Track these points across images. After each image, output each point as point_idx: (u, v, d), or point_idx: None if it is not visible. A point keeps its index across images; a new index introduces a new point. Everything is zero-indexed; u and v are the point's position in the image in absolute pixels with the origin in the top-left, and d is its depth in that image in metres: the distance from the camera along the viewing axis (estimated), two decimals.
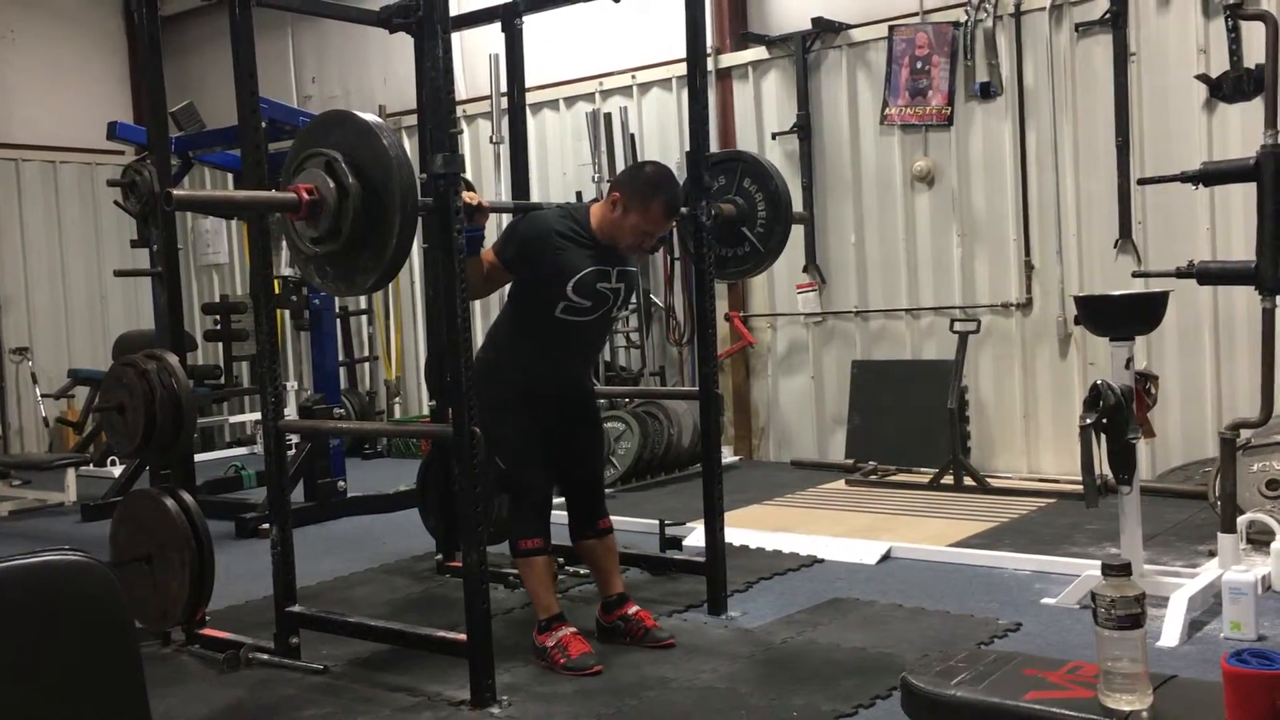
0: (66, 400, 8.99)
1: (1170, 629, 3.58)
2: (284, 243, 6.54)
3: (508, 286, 3.80)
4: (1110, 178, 6.04)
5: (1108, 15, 5.98)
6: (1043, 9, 6.20)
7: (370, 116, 3.12)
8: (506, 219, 5.43)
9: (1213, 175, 4.15)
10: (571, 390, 3.87)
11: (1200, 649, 3.52)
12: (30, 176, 9.66)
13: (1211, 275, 4.25)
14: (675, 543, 4.79)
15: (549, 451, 3.76)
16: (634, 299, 3.98)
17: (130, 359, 4.04)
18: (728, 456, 7.08)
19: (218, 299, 9.51)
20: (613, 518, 5.67)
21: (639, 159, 7.43)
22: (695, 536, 4.74)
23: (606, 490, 6.40)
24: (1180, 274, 4.15)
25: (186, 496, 3.91)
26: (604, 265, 3.65)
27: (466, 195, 3.40)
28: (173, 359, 4.00)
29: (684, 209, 4.13)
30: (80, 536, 6.25)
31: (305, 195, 3.04)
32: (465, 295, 3.27)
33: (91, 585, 1.09)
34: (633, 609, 3.87)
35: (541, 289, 3.63)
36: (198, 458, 5.08)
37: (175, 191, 3.01)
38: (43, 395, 8.91)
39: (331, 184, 3.02)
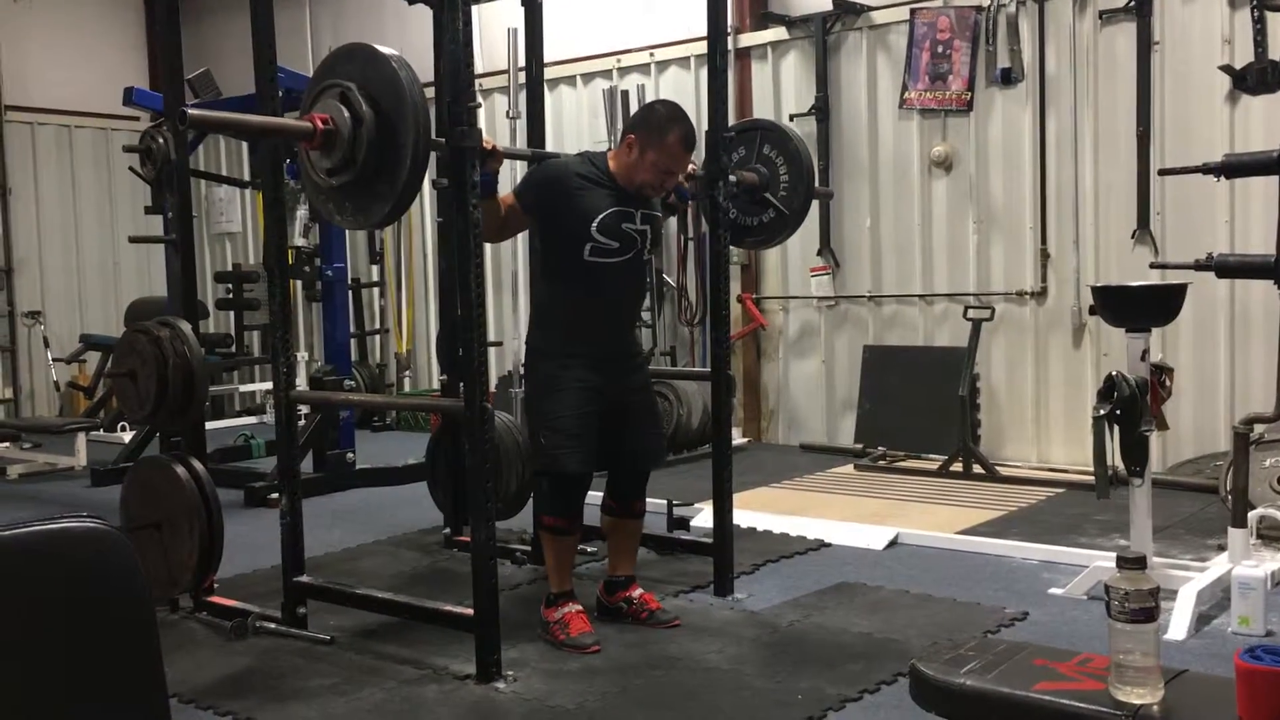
0: (78, 365, 9.02)
1: (1178, 622, 3.57)
2: (298, 213, 6.54)
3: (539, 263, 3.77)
4: (1130, 168, 5.99)
5: (1132, 3, 5.92)
6: None
7: (384, 48, 3.11)
8: (521, 167, 5.40)
9: (1234, 168, 4.12)
10: (622, 353, 3.76)
11: (1208, 643, 3.51)
12: (45, 140, 9.65)
13: (1230, 268, 4.22)
14: (683, 523, 4.80)
15: (598, 436, 3.64)
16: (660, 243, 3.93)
17: (143, 326, 4.04)
18: (736, 438, 7.06)
19: (230, 267, 9.52)
20: None
21: None
22: (703, 517, 4.75)
23: None
24: (1198, 266, 4.12)
25: (197, 464, 3.92)
26: (627, 207, 3.61)
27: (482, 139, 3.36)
28: (186, 327, 4.00)
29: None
30: (90, 501, 6.27)
31: (320, 125, 3.05)
32: (479, 238, 3.26)
33: (110, 552, 1.08)
34: (637, 592, 3.87)
35: (567, 233, 3.57)
36: (208, 426, 5.09)
37: (190, 110, 3.00)
38: (54, 359, 8.93)
39: (346, 113, 3.03)
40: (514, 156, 4.53)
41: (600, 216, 3.54)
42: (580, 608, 3.67)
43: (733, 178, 4.18)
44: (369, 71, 3.04)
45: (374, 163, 3.03)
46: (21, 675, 1.07)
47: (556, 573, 3.70)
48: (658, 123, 3.59)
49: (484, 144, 3.31)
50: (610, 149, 3.77)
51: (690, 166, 3.89)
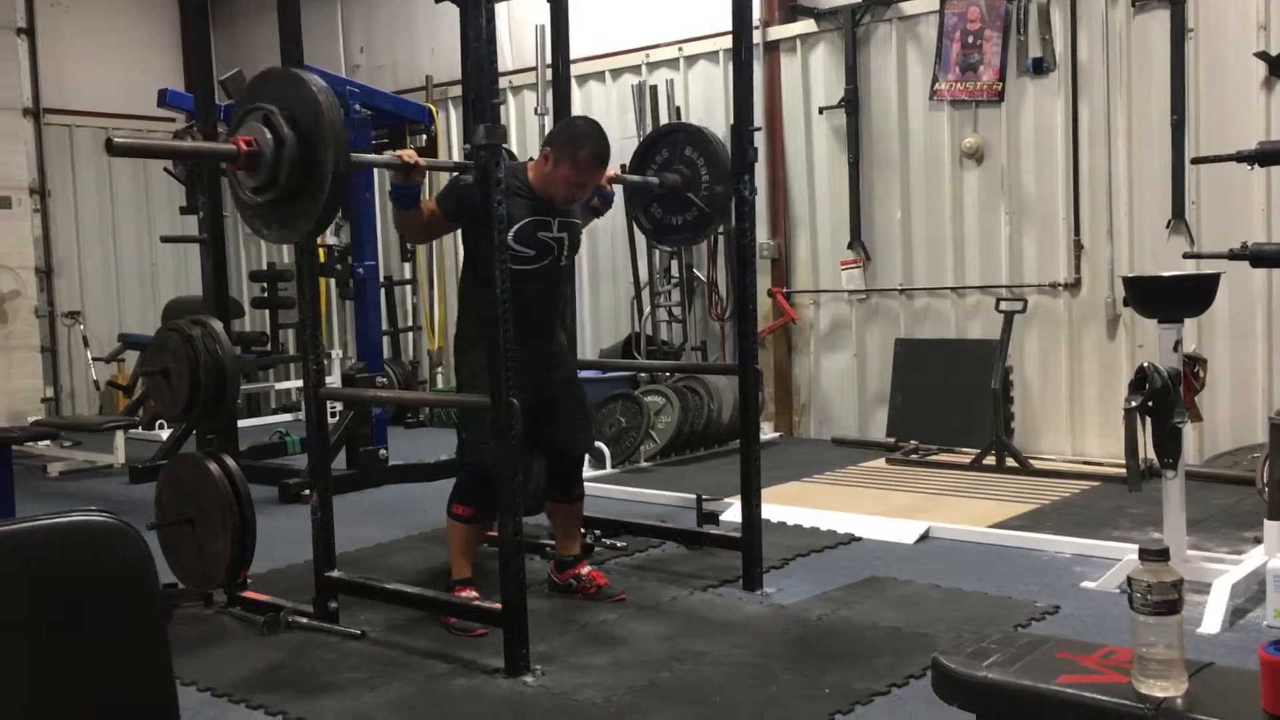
0: (117, 364, 9.14)
1: (1212, 615, 3.54)
2: None
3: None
4: (1164, 157, 5.92)
5: None
6: None
7: (304, 73, 3.22)
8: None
9: (1270, 155, 4.04)
10: (543, 353, 3.91)
11: (1242, 636, 3.47)
12: (83, 142, 9.77)
13: (1266, 257, 4.15)
14: (712, 517, 4.81)
15: (527, 430, 3.76)
16: (580, 249, 4.17)
17: (176, 324, 4.09)
18: (768, 433, 7.06)
19: (265, 266, 9.61)
20: (650, 491, 5.73)
21: None
22: (732, 512, 4.74)
23: (645, 464, 6.49)
24: (1233, 255, 4.06)
25: (229, 461, 3.96)
26: (543, 216, 3.78)
27: (405, 153, 3.56)
28: (217, 325, 4.05)
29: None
30: (128, 498, 6.36)
31: (244, 146, 3.13)
32: (406, 239, 3.35)
33: (117, 546, 1.10)
34: (585, 569, 4.11)
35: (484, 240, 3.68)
36: (244, 423, 5.14)
37: (116, 139, 3.06)
38: (94, 358, 9.05)
39: (269, 135, 3.11)
40: (437, 168, 4.71)
41: (516, 226, 3.67)
42: (478, 593, 3.80)
43: (654, 179, 4.29)
44: (291, 95, 3.13)
45: (296, 183, 3.12)
46: (28, 668, 1.09)
47: (458, 559, 3.89)
48: (571, 139, 3.76)
49: (406, 158, 3.50)
50: (531, 159, 3.95)
51: (611, 172, 4.07)
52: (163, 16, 10.39)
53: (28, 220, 9.26)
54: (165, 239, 5.93)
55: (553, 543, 4.54)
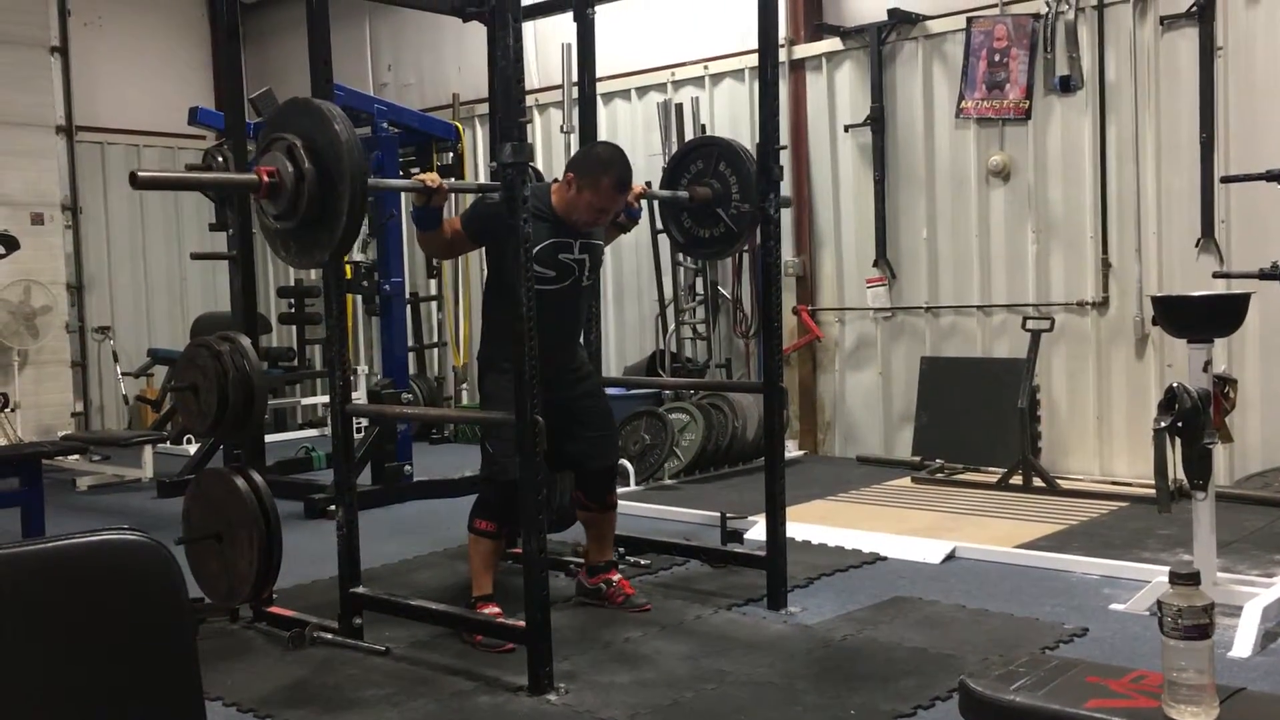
0: (146, 379, 9.21)
1: (1243, 639, 3.49)
2: None
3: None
4: (1193, 175, 5.88)
5: (1194, 8, 5.82)
6: (1126, 1, 6.06)
7: (327, 105, 3.27)
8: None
9: None
10: (563, 369, 3.94)
11: (1274, 661, 3.43)
12: (115, 159, 9.88)
13: None
14: (736, 536, 4.80)
15: (553, 446, 3.77)
16: (601, 270, 4.37)
17: (204, 340, 4.12)
18: (792, 451, 7.03)
19: (293, 283, 9.67)
20: (674, 508, 5.72)
21: None
22: (757, 530, 4.73)
23: (670, 481, 6.48)
24: (1263, 275, 4.04)
25: (256, 476, 3.98)
26: (564, 238, 3.84)
27: (428, 177, 3.63)
28: (245, 341, 4.07)
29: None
30: (156, 512, 6.40)
31: (266, 177, 3.18)
32: (428, 255, 3.39)
33: (149, 564, 1.11)
34: (615, 576, 4.15)
35: (506, 262, 3.69)
36: (270, 438, 5.14)
37: (140, 171, 3.11)
38: (123, 373, 9.13)
39: (290, 167, 3.16)
40: (460, 190, 4.73)
41: (537, 248, 3.69)
42: (499, 610, 3.82)
43: (684, 194, 4.33)
44: (314, 128, 3.18)
45: (314, 213, 3.17)
46: (61, 685, 1.10)
47: (480, 575, 3.92)
48: (594, 165, 3.81)
49: (430, 182, 3.58)
50: (555, 181, 3.99)
51: (638, 187, 4.10)
52: (193, 35, 10.51)
53: (59, 236, 9.36)
54: (195, 256, 5.98)
55: (577, 560, 4.56)
